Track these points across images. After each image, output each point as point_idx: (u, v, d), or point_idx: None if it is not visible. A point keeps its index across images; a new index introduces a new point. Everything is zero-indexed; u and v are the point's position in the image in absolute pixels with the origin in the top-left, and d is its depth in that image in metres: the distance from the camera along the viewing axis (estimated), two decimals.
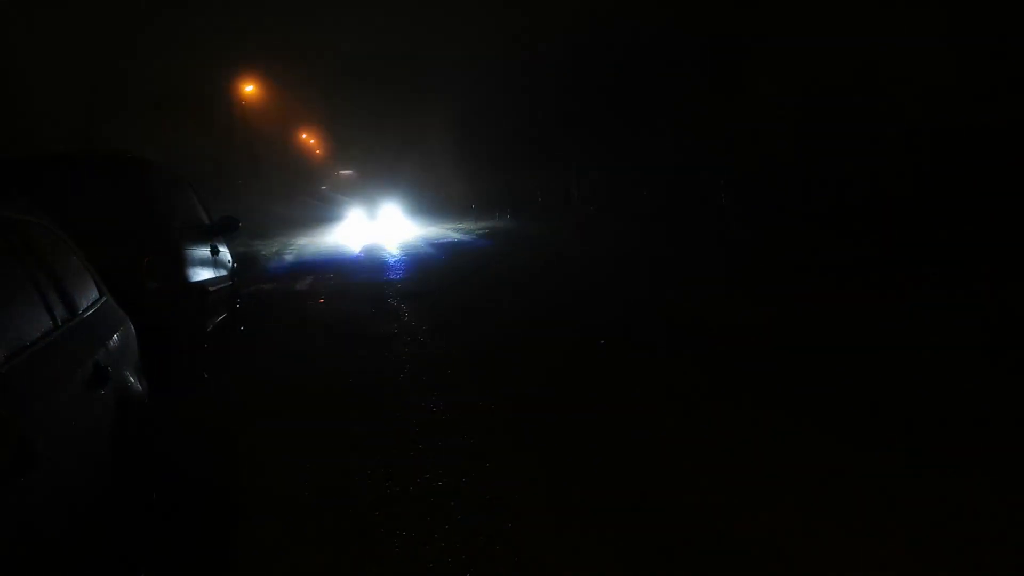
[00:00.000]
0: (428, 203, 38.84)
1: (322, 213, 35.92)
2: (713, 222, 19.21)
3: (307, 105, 43.20)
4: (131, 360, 3.52)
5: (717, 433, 4.65)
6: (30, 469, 2.03)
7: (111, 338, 3.28)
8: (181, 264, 6.48)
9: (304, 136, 50.30)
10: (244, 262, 12.65)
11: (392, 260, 18.00)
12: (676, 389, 5.64)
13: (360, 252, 21.01)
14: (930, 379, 5.47)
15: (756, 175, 18.62)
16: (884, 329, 7.26)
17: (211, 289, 7.34)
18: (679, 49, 19.30)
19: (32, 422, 2.14)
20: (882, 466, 3.96)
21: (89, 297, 3.29)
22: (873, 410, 4.87)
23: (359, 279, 14.28)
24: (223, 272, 8.20)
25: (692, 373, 6.11)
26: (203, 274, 7.10)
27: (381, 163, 43.80)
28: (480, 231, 27.79)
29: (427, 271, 15.68)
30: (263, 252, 20.88)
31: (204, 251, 7.37)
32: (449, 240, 24.40)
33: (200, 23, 29.01)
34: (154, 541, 3.49)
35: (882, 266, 11.31)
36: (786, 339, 7.09)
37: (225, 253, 8.47)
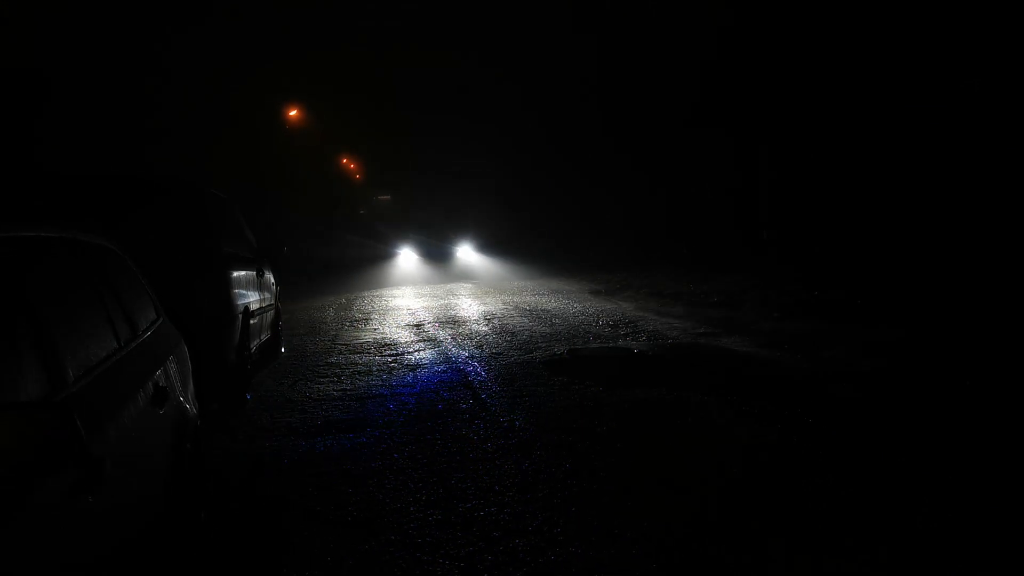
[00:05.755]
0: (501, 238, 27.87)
1: (366, 254, 26.48)
2: None
3: (348, 127, 42.74)
4: (186, 380, 3.60)
5: None
6: (97, 488, 2.09)
7: (168, 359, 3.36)
8: (228, 286, 6.60)
9: (344, 160, 50.53)
10: None
11: None
12: None
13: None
14: None
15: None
16: None
17: (255, 311, 7.46)
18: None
19: (100, 441, 2.20)
20: None
21: (148, 318, 3.38)
22: None
23: None
24: (267, 295, 8.34)
25: None
26: (249, 296, 7.23)
27: (442, 184, 32.97)
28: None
29: None
30: None
31: (250, 274, 7.51)
32: None
33: (238, 45, 29.12)
34: (204, 559, 3.55)
35: None
36: None
37: (269, 276, 8.63)
